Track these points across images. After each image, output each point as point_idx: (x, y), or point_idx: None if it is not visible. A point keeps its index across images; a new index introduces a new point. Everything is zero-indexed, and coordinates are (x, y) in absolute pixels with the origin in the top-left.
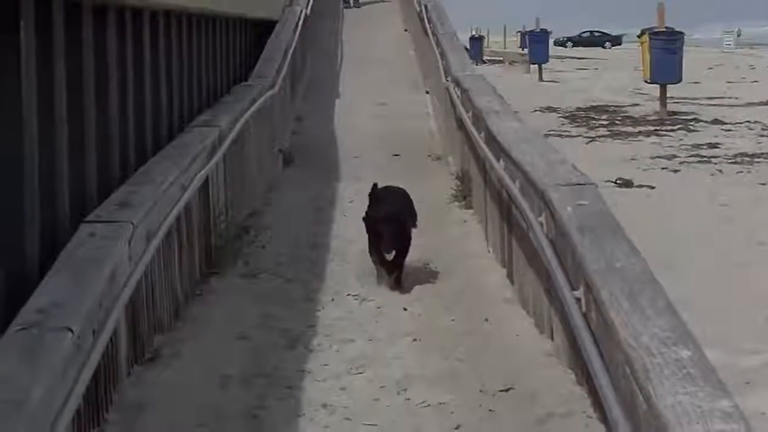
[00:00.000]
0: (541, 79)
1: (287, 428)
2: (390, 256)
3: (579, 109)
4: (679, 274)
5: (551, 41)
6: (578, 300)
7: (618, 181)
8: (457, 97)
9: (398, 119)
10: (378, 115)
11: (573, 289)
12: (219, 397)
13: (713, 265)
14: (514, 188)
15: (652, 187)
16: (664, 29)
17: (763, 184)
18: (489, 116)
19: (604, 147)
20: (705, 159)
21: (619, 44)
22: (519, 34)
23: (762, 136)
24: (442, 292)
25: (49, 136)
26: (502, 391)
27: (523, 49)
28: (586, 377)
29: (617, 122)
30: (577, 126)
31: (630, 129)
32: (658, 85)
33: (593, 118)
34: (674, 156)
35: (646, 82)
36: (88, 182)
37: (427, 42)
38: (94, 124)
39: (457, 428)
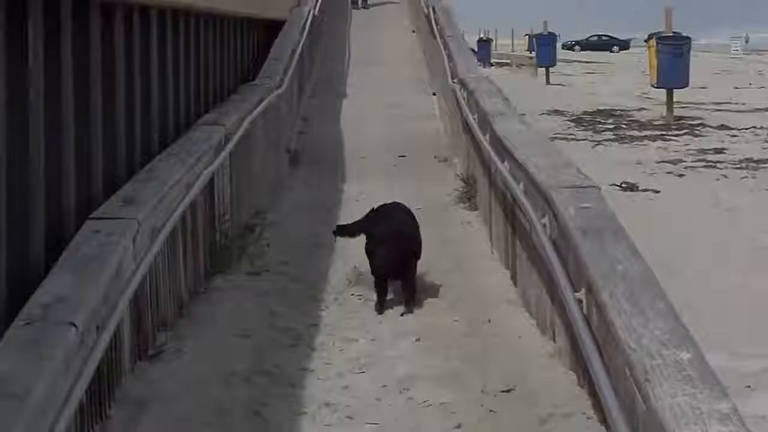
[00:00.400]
0: (548, 82)
1: (289, 426)
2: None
3: (585, 112)
4: (681, 278)
5: (559, 45)
6: (580, 301)
7: (623, 185)
8: (464, 98)
9: (405, 120)
10: (385, 116)
11: (575, 290)
12: (222, 394)
13: (716, 269)
14: (518, 190)
15: (657, 191)
16: (672, 34)
17: None
18: (494, 118)
19: (610, 151)
20: (710, 164)
21: (627, 48)
22: (527, 37)
23: None
24: (445, 293)
25: (55, 132)
26: (503, 391)
27: (531, 52)
28: (587, 378)
29: (623, 126)
30: (584, 129)
31: (636, 133)
32: (664, 90)
33: (599, 122)
34: (680, 161)
35: (653, 86)
36: (94, 179)
37: (435, 44)
38: (100, 121)
39: (458, 427)
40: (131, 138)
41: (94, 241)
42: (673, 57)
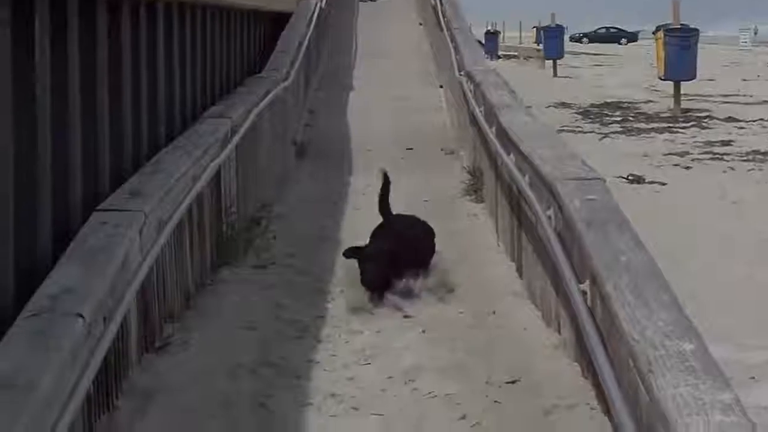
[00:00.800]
0: (555, 74)
1: (295, 417)
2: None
3: (592, 105)
4: (686, 270)
5: (567, 37)
6: (584, 293)
7: (629, 177)
8: (470, 91)
9: (412, 113)
10: (392, 109)
11: (579, 282)
12: (228, 385)
13: (721, 260)
14: (523, 182)
15: (663, 184)
16: (679, 26)
17: None
18: (500, 110)
19: (617, 143)
20: (717, 156)
21: (635, 41)
22: (535, 29)
23: None
24: (450, 285)
25: (62, 125)
26: (508, 382)
27: (538, 45)
28: (591, 370)
29: (630, 119)
30: (591, 122)
31: (643, 126)
32: (672, 82)
33: (607, 115)
34: (686, 153)
35: (660, 78)
36: (101, 171)
37: (442, 36)
38: (107, 114)
39: (462, 418)
40: (138, 131)
41: (101, 232)
42: (680, 49)
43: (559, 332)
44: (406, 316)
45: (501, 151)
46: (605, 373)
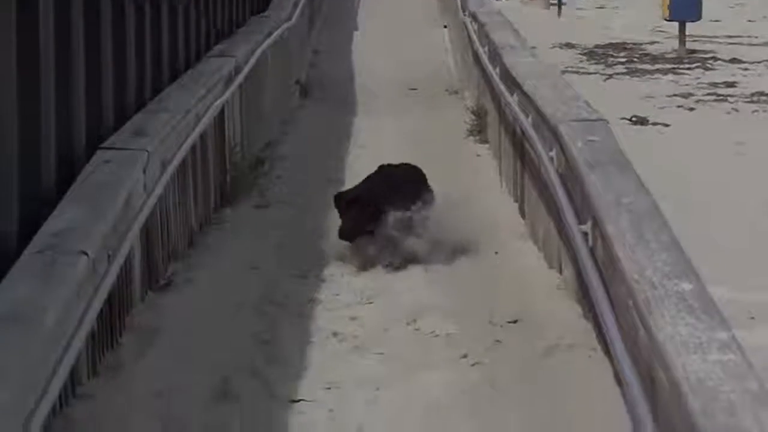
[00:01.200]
0: (560, 15)
1: (298, 355)
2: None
3: (597, 46)
4: (687, 211)
5: None
6: (585, 234)
7: (633, 119)
8: (474, 32)
9: (416, 54)
10: (395, 49)
11: (580, 223)
12: (231, 323)
13: (723, 202)
14: (527, 123)
15: (667, 125)
16: None
17: None
18: (504, 51)
19: (621, 84)
20: (721, 97)
21: None
22: None
23: None
24: (453, 224)
25: (65, 63)
26: (509, 322)
27: None
28: (591, 310)
29: (635, 60)
30: (595, 63)
31: (648, 67)
32: (677, 23)
33: (611, 56)
34: (690, 94)
35: (665, 20)
36: (105, 110)
37: None
38: (110, 52)
39: (464, 357)
40: (141, 70)
41: (105, 171)
42: None
43: (561, 273)
44: (388, 265)
45: (504, 91)
46: (605, 313)
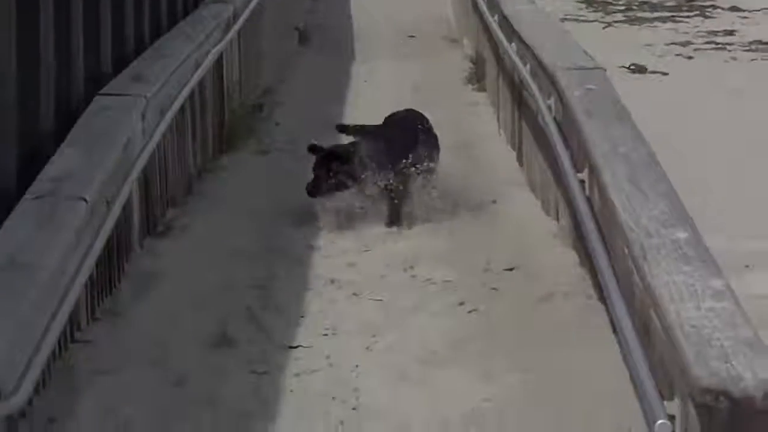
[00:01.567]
0: None
1: (295, 301)
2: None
3: None
4: (685, 160)
5: None
6: (582, 182)
7: (631, 67)
8: None
9: (415, 1)
10: None
11: (578, 171)
12: (229, 268)
13: (721, 151)
14: (525, 71)
15: (665, 74)
16: None
17: None
18: None
19: (620, 32)
20: (720, 46)
21: None
22: None
23: None
24: (451, 173)
25: (64, 8)
26: (506, 270)
27: None
28: (588, 258)
29: (634, 7)
30: (594, 11)
31: (647, 15)
32: None
33: (610, 3)
34: (689, 42)
35: None
36: (103, 56)
37: None
38: None
39: (461, 304)
40: (140, 16)
41: (103, 117)
42: None
43: (558, 221)
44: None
45: (503, 39)
46: (601, 261)
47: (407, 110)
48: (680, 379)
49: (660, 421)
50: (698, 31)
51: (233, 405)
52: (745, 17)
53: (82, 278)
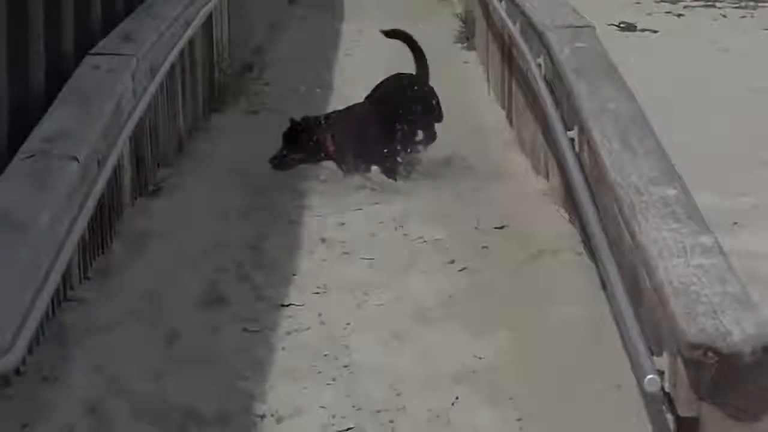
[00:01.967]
0: None
1: (286, 260)
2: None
3: None
4: (674, 118)
5: None
6: (572, 140)
7: (621, 25)
8: None
9: None
10: None
11: (567, 129)
12: (221, 228)
13: (709, 110)
14: (514, 30)
15: (655, 31)
16: None
17: (766, 29)
18: None
19: None
20: (710, 3)
21: None
22: None
23: None
24: (440, 132)
25: None
26: (496, 228)
27: None
28: (577, 216)
29: None
30: None
31: None
32: None
33: None
34: (679, 0)
35: None
36: (93, 15)
37: None
38: None
39: (451, 263)
40: None
41: (94, 76)
42: None
43: (548, 179)
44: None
45: None
46: (590, 219)
47: (398, 76)
48: (669, 335)
49: (649, 376)
50: None
51: (225, 363)
52: None
53: (75, 237)
